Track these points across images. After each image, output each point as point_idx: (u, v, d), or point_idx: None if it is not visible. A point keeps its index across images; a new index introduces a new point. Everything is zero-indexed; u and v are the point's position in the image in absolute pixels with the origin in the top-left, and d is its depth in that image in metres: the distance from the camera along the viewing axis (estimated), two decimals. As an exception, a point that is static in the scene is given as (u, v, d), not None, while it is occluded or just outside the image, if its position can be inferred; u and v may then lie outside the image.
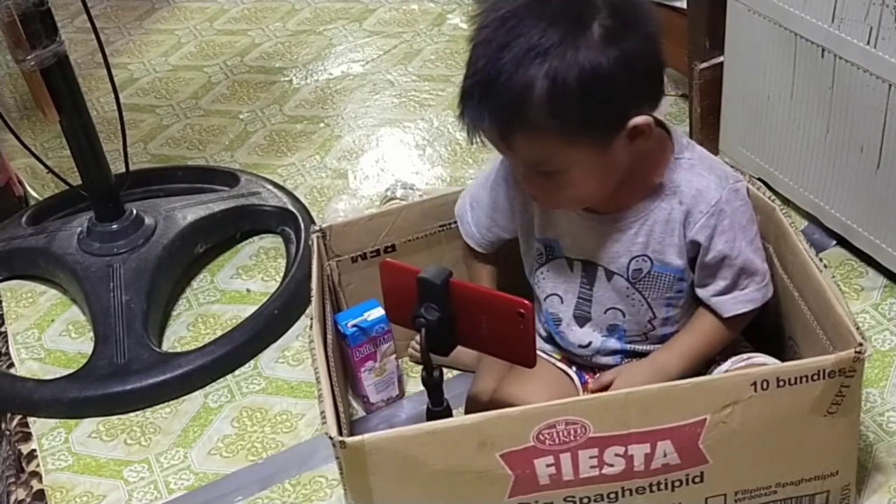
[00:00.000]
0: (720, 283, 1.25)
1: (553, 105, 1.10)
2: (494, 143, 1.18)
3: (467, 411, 1.36)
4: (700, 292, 1.27)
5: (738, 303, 1.26)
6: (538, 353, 1.35)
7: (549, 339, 1.39)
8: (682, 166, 1.23)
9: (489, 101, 1.13)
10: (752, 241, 1.25)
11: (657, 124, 1.24)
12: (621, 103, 1.13)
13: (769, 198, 1.31)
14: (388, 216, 1.48)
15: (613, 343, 1.32)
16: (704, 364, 1.30)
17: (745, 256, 1.24)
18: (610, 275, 1.28)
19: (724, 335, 1.28)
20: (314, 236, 1.44)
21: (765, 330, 1.35)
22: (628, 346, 1.32)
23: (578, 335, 1.33)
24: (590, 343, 1.33)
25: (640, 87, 1.14)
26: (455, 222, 1.48)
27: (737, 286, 1.25)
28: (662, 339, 1.31)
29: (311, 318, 1.30)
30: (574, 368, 1.36)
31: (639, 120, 1.14)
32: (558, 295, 1.33)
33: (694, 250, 1.24)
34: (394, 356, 1.48)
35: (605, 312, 1.30)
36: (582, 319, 1.32)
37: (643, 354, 1.32)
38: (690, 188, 1.22)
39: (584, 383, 1.35)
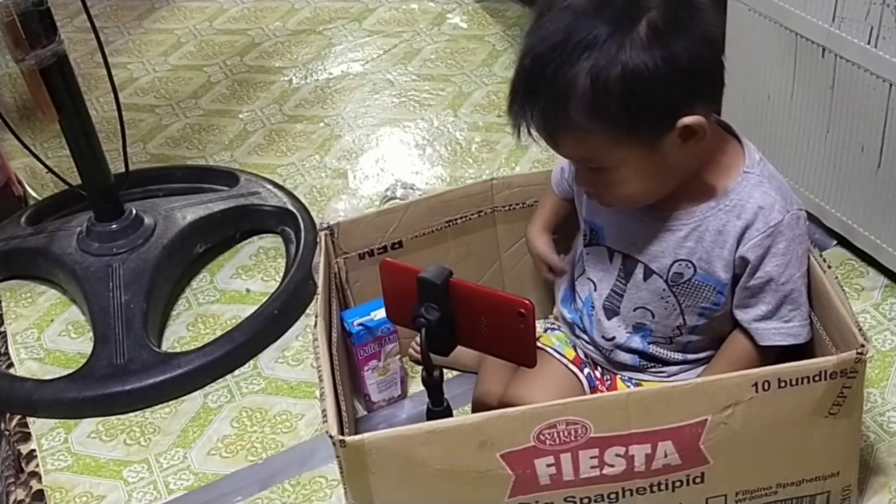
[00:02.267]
0: (762, 308, 1.22)
1: (595, 104, 1.09)
2: (543, 138, 1.16)
3: (474, 412, 1.35)
4: (739, 314, 1.24)
5: (779, 334, 1.23)
6: (549, 352, 1.35)
7: (570, 327, 1.38)
8: (750, 181, 1.19)
9: (533, 97, 1.13)
10: (804, 275, 1.22)
11: (730, 133, 1.23)
12: (668, 103, 1.11)
13: None
14: (395, 213, 1.48)
15: (636, 342, 1.30)
16: None
17: (794, 286, 1.21)
18: (649, 273, 1.25)
19: (756, 364, 1.23)
20: (322, 234, 1.44)
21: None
22: (650, 349, 1.30)
23: (605, 326, 1.31)
24: (613, 337, 1.31)
25: (689, 87, 1.11)
26: (461, 217, 1.49)
27: (779, 314, 1.22)
28: (686, 347, 1.29)
29: (316, 316, 1.29)
30: (586, 371, 1.35)
31: (689, 120, 1.12)
32: (593, 281, 1.31)
33: (741, 267, 1.21)
34: (398, 356, 1.48)
35: (634, 310, 1.28)
36: (611, 312, 1.31)
37: (663, 360, 1.30)
38: (753, 204, 1.18)
39: (592, 388, 1.34)
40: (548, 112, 1.12)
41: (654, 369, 1.31)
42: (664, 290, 1.25)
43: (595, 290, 1.31)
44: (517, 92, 1.15)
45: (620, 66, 1.07)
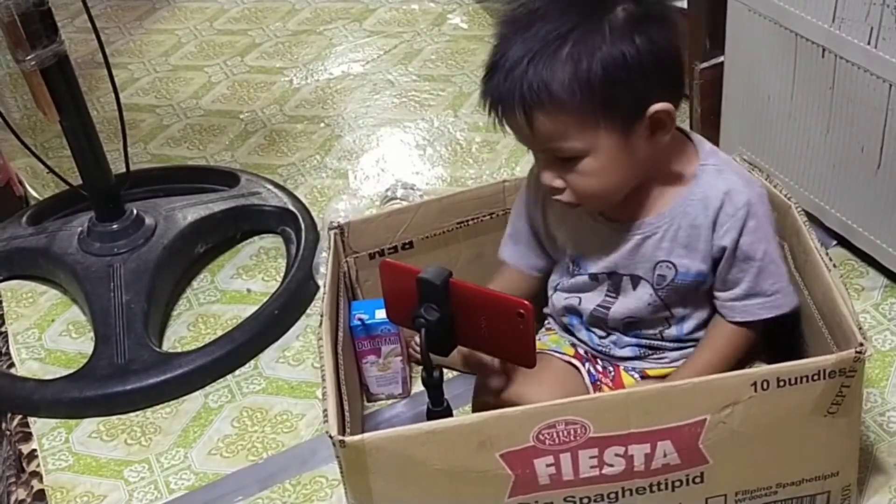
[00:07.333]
0: (744, 286, 1.24)
1: (575, 87, 1.12)
2: (515, 123, 1.17)
3: (474, 411, 1.35)
4: (723, 295, 1.26)
5: (765, 308, 1.25)
6: (548, 353, 1.35)
7: (565, 330, 1.39)
8: (709, 172, 1.22)
9: (512, 79, 1.14)
10: (777, 248, 1.25)
11: (680, 131, 1.25)
12: (644, 89, 1.14)
13: (786, 195, 1.31)
14: (406, 213, 1.49)
15: (629, 339, 1.32)
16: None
17: (770, 258, 1.23)
18: (636, 282, 1.27)
19: (745, 340, 1.27)
20: (331, 233, 1.44)
21: (780, 326, 1.34)
22: (644, 341, 1.32)
23: (595, 331, 1.34)
24: (608, 334, 1.33)
25: (663, 75, 1.15)
26: (472, 219, 1.49)
27: (762, 289, 1.24)
28: (677, 338, 1.31)
29: (322, 315, 1.29)
30: (587, 366, 1.35)
31: (659, 106, 1.14)
32: (580, 299, 1.33)
33: (720, 253, 1.23)
34: (399, 357, 1.48)
35: (621, 319, 1.30)
36: (599, 321, 1.33)
37: (660, 348, 1.32)
38: (718, 192, 1.20)
39: (594, 383, 1.34)
40: (526, 95, 1.13)
41: (654, 357, 1.33)
42: (651, 294, 1.27)
43: (580, 304, 1.33)
44: (495, 73, 1.16)
45: (602, 50, 1.11)
